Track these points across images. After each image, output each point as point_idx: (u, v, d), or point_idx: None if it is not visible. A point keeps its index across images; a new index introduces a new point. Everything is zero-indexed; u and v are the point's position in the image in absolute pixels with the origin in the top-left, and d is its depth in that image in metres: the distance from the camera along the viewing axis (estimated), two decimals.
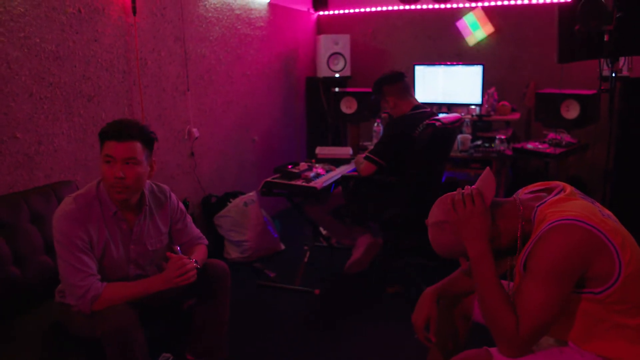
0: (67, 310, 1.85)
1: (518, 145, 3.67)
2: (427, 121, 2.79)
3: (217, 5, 3.66)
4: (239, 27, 3.92)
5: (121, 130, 1.79)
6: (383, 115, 4.15)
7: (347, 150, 3.53)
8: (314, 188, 2.89)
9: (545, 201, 1.40)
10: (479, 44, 4.48)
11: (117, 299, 1.78)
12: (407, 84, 3.08)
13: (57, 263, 1.81)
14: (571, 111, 3.44)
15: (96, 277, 1.79)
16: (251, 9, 4.06)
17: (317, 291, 3.09)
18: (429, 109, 3.06)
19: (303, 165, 3.18)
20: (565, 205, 1.35)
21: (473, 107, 4.15)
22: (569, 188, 1.43)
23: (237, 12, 3.89)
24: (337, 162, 3.41)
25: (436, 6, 4.60)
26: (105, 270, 1.87)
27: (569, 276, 1.28)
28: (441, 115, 2.95)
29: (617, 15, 2.36)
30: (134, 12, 2.87)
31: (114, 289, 1.80)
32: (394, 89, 3.02)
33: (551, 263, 1.28)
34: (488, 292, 1.36)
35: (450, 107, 4.23)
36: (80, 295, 1.75)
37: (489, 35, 4.43)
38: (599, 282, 1.30)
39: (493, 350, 1.38)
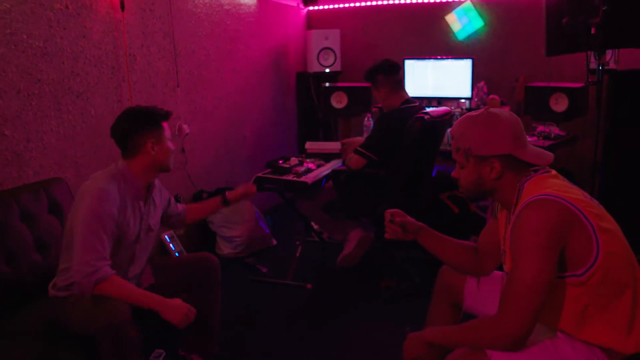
0: (63, 305, 1.85)
1: None
2: (415, 115, 2.81)
3: (206, 1, 3.64)
4: (228, 22, 3.90)
5: (164, 110, 2.00)
6: (374, 109, 4.16)
7: (337, 145, 3.53)
8: (305, 183, 2.89)
9: (530, 177, 1.45)
10: (468, 37, 4.49)
11: (118, 292, 1.78)
12: (401, 77, 3.09)
13: (73, 237, 1.80)
14: (560, 104, 3.47)
15: (108, 262, 1.80)
16: (240, 4, 4.04)
17: (309, 286, 3.10)
18: (417, 103, 3.07)
19: (294, 160, 3.18)
20: (545, 183, 1.41)
21: (463, 100, 4.17)
22: (553, 172, 1.48)
23: (227, 7, 3.87)
24: (327, 156, 3.41)
25: (426, 0, 4.61)
26: (119, 247, 1.91)
27: (549, 249, 1.30)
28: (430, 109, 2.97)
29: (603, 9, 2.38)
30: (122, 8, 2.85)
31: (119, 282, 1.81)
32: (389, 80, 3.02)
33: (530, 237, 1.31)
34: (461, 342, 1.43)
35: (440, 100, 4.24)
36: (88, 273, 1.75)
37: (479, 29, 4.44)
38: (580, 263, 1.33)
39: None
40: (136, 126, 1.92)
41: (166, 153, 1.98)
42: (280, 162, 3.13)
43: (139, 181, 1.97)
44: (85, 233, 1.78)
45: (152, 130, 1.93)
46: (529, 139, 3.76)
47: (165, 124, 1.99)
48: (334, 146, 3.52)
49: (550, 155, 1.49)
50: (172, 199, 2.29)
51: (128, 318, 1.74)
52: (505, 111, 1.52)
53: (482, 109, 1.52)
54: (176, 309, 1.80)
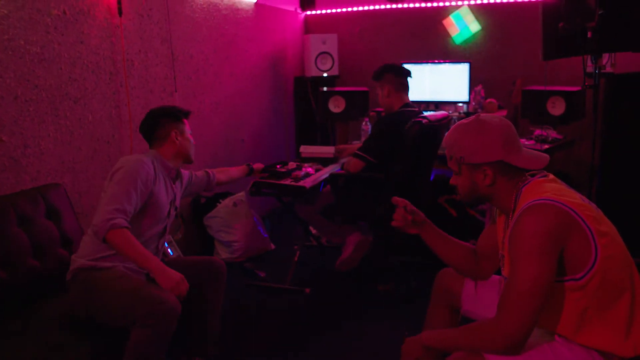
0: (88, 292, 1.91)
1: None
2: (413, 119, 2.81)
3: (204, 6, 3.65)
4: (226, 27, 3.91)
5: (185, 109, 2.30)
6: (371, 113, 4.17)
7: (330, 149, 3.53)
8: (303, 187, 2.89)
9: (528, 182, 1.46)
10: (465, 42, 4.51)
11: (126, 244, 1.86)
12: (407, 82, 3.11)
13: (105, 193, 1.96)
14: (557, 107, 3.48)
15: (127, 217, 1.91)
16: (238, 9, 4.05)
17: (307, 290, 3.10)
18: (417, 109, 3.08)
19: (291, 165, 3.18)
20: (543, 187, 1.41)
21: (460, 104, 4.18)
22: (551, 176, 1.49)
23: (224, 12, 3.88)
24: (325, 161, 3.41)
25: (423, 5, 4.62)
26: (154, 220, 2.08)
27: (547, 252, 1.31)
28: (428, 113, 2.97)
29: (600, 13, 2.39)
30: (120, 14, 2.86)
31: (130, 236, 1.88)
32: (396, 81, 3.06)
33: (529, 241, 1.31)
34: (459, 345, 1.43)
35: (438, 104, 4.25)
36: (105, 219, 1.85)
37: (476, 34, 4.46)
38: (578, 266, 1.33)
39: None
40: (162, 119, 2.22)
41: (188, 144, 2.28)
42: (278, 166, 3.13)
43: (170, 163, 2.21)
44: (116, 187, 1.94)
45: (175, 123, 2.23)
46: (526, 143, 3.78)
47: (185, 121, 2.29)
48: (327, 150, 3.52)
49: (544, 158, 1.49)
50: (193, 174, 2.54)
51: (179, 308, 1.81)
52: (496, 117, 1.52)
53: (473, 117, 1.53)
54: (170, 277, 1.83)
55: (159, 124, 2.21)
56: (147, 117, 2.25)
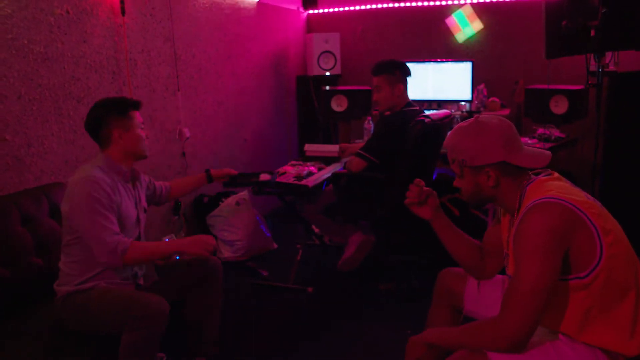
0: (80, 301, 1.89)
1: None
2: (416, 118, 2.81)
3: (207, 5, 3.65)
4: (228, 26, 3.91)
5: (133, 100, 2.08)
6: (374, 112, 4.16)
7: (335, 148, 3.53)
8: (306, 186, 2.89)
9: (532, 181, 1.46)
10: (468, 40, 4.51)
11: (143, 254, 1.92)
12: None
13: (81, 228, 1.88)
14: (560, 106, 3.48)
15: (121, 234, 1.90)
16: (240, 8, 4.06)
17: (310, 289, 3.10)
18: (418, 107, 3.08)
19: (287, 169, 3.13)
20: (547, 186, 1.41)
21: (463, 103, 4.18)
22: (556, 174, 1.49)
23: (227, 11, 3.88)
24: (328, 160, 3.41)
25: (425, 3, 4.62)
26: (124, 229, 1.98)
27: (552, 251, 1.30)
28: (430, 112, 2.97)
29: (603, 11, 2.38)
30: (123, 13, 2.86)
31: (140, 245, 1.92)
32: (405, 80, 3.06)
33: (533, 240, 1.31)
34: (461, 343, 1.43)
35: (440, 103, 4.25)
36: (111, 250, 1.83)
37: (478, 32, 4.45)
38: (583, 265, 1.33)
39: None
40: (103, 117, 1.99)
41: (136, 141, 2.03)
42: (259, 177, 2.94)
43: (122, 166, 2.03)
44: (91, 218, 1.85)
45: (118, 119, 1.99)
46: (529, 141, 3.76)
47: (134, 113, 2.04)
48: (332, 149, 3.53)
49: (546, 156, 1.48)
50: (152, 181, 2.37)
51: (168, 315, 1.82)
52: (495, 117, 1.52)
53: (472, 119, 1.52)
54: (196, 243, 1.96)
55: (101, 123, 1.99)
56: (89, 115, 2.02)
